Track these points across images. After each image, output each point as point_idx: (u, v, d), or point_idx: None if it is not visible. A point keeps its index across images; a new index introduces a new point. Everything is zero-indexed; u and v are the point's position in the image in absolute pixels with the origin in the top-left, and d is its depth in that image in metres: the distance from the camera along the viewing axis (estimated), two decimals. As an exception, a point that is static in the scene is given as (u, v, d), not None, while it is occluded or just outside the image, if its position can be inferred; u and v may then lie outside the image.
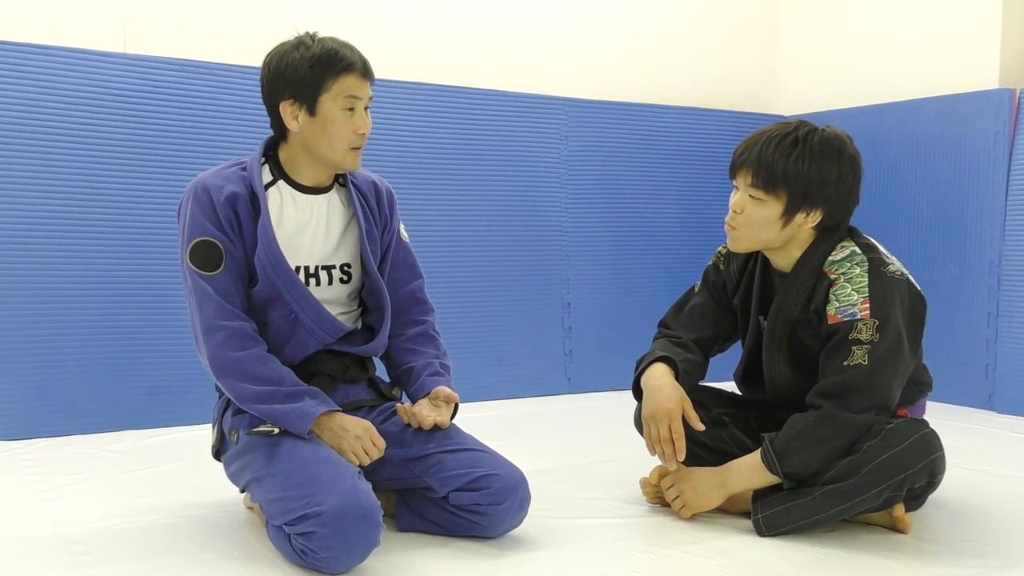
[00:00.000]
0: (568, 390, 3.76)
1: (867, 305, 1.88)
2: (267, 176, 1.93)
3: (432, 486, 1.88)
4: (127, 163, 3.00)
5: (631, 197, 3.97)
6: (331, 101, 1.86)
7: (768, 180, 1.90)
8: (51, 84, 2.88)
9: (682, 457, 1.97)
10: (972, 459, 2.67)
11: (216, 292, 1.82)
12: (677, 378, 2.03)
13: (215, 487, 2.20)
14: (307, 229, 1.93)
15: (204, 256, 1.83)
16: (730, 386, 2.27)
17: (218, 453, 1.99)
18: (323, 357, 1.95)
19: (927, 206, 3.69)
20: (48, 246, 2.89)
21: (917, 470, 1.84)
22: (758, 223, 1.93)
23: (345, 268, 1.97)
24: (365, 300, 2.02)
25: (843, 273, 1.92)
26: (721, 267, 2.18)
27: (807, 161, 1.88)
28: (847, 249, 1.96)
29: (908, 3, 3.86)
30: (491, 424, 2.91)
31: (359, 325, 2.03)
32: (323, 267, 1.94)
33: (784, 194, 1.90)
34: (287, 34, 1.92)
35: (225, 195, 1.84)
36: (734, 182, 1.99)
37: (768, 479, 1.92)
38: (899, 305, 1.90)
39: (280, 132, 1.93)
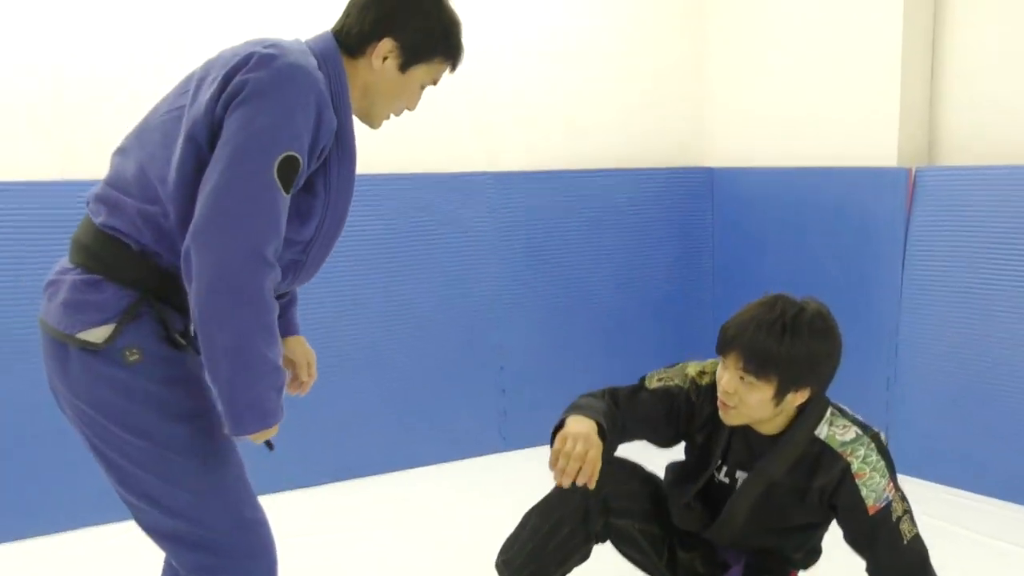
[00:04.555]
0: (503, 448, 4.02)
1: (891, 484, 2.05)
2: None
3: None
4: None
5: (563, 262, 4.16)
6: (424, 73, 1.77)
7: (760, 366, 1.96)
8: None
9: (587, 481, 1.89)
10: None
11: (283, 219, 1.57)
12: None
13: None
14: None
15: (285, 172, 1.56)
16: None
17: (82, 347, 1.59)
18: None
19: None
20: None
21: None
22: (752, 405, 2.00)
23: None
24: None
25: (862, 459, 2.03)
26: (693, 399, 2.18)
27: (798, 345, 1.96)
28: (848, 428, 2.07)
29: (820, 75, 4.05)
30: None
31: None
32: None
33: (775, 378, 1.97)
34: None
35: (328, 122, 1.62)
36: (723, 360, 2.04)
37: None
38: None
39: (352, 52, 1.73)
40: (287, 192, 1.56)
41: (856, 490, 2.03)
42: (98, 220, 1.63)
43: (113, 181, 1.66)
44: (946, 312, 3.54)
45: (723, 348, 2.03)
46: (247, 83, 1.54)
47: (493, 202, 3.99)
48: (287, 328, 1.96)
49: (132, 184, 1.62)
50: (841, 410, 2.13)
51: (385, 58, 1.72)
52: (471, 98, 3.99)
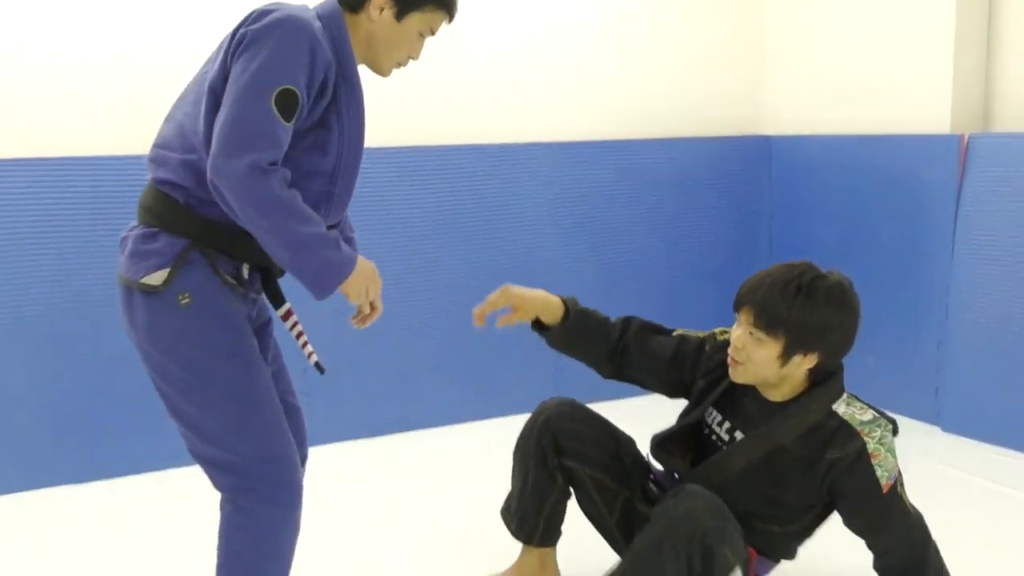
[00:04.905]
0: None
1: (896, 464, 2.11)
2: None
3: None
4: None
5: (616, 232, 4.24)
6: (419, 21, 1.95)
7: (769, 323, 2.02)
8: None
9: (494, 305, 2.27)
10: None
11: (282, 139, 1.77)
12: (566, 316, 2.27)
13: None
14: None
15: (284, 103, 1.76)
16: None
17: (144, 291, 1.84)
18: None
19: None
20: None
21: None
22: (758, 361, 2.06)
23: None
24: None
25: (878, 440, 2.06)
26: (706, 348, 2.28)
27: (809, 309, 2.00)
28: (866, 411, 2.12)
29: (876, 42, 4.07)
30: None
31: None
32: None
33: (783, 336, 2.02)
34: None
35: (322, 59, 1.81)
36: (737, 316, 2.11)
37: None
38: None
39: (353, 8, 1.94)
40: (287, 121, 1.77)
41: (871, 471, 2.05)
42: (151, 177, 1.90)
43: (160, 142, 1.91)
44: (996, 277, 3.57)
45: (738, 303, 2.09)
46: (247, 34, 1.79)
47: (547, 172, 4.09)
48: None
49: (174, 140, 1.87)
50: (856, 397, 2.17)
51: (382, 9, 1.93)
52: (525, 67, 4.08)
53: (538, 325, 2.34)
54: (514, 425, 2.43)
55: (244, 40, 1.79)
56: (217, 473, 1.89)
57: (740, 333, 2.09)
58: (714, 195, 4.48)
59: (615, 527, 2.35)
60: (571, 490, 2.38)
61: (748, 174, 4.54)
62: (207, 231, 1.86)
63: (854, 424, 2.08)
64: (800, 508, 2.16)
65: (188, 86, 1.94)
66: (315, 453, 2.29)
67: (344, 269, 1.81)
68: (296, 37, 1.78)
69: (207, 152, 1.77)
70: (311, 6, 1.93)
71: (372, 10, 1.93)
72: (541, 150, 4.08)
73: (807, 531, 2.23)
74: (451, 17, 2.00)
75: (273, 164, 1.74)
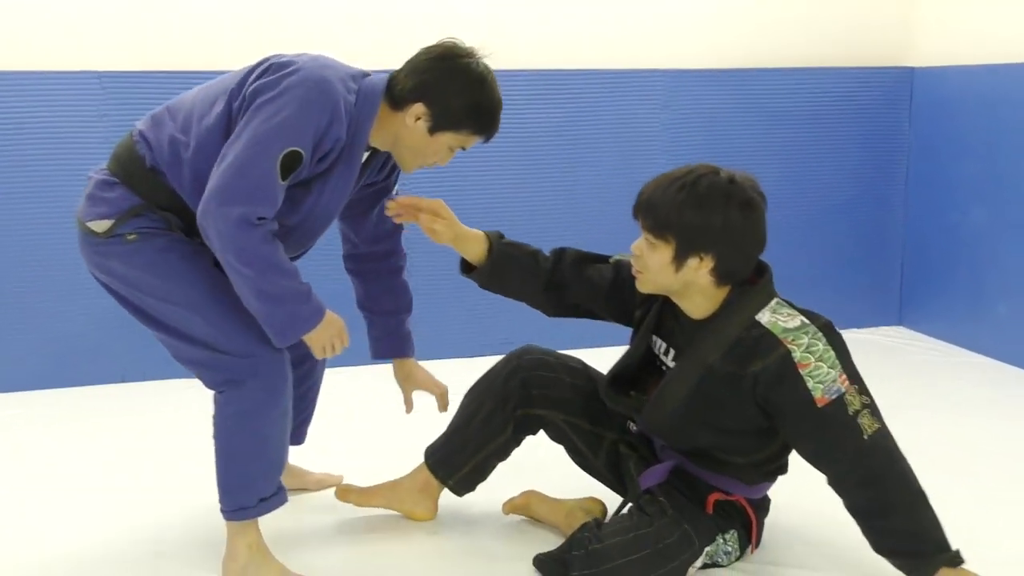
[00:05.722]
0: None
1: (844, 375, 1.90)
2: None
3: None
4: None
5: (738, 163, 4.06)
6: (451, 139, 2.00)
7: (656, 225, 1.92)
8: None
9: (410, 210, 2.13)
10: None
11: (277, 197, 1.85)
12: (490, 250, 2.14)
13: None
14: None
15: (287, 164, 1.84)
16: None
17: (94, 234, 1.96)
18: None
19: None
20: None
21: None
22: (654, 268, 1.95)
23: None
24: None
25: (804, 348, 1.89)
26: None
27: (690, 208, 1.88)
28: (794, 317, 1.94)
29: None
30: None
31: None
32: None
33: (672, 239, 1.91)
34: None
35: (335, 132, 1.88)
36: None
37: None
38: None
39: (393, 103, 1.98)
40: (283, 180, 1.84)
41: (800, 383, 1.88)
42: (137, 128, 1.98)
43: (172, 108, 2.00)
44: None
45: (633, 210, 1.98)
46: (279, 83, 1.85)
47: (667, 100, 4.02)
48: (399, 348, 2.36)
49: (179, 115, 1.96)
50: (789, 303, 2.00)
51: (418, 119, 1.96)
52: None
53: (466, 268, 2.23)
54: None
55: (275, 87, 1.85)
56: (204, 372, 2.00)
57: (638, 241, 1.99)
58: (847, 128, 4.26)
59: (604, 468, 2.30)
60: (510, 452, 2.32)
61: (887, 107, 4.29)
62: (165, 197, 1.94)
63: (776, 332, 1.91)
64: (750, 433, 2.03)
65: (211, 85, 2.00)
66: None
67: (310, 322, 1.90)
68: (320, 102, 1.85)
69: (195, 143, 1.88)
70: (366, 70, 2.01)
71: (408, 116, 1.97)
72: (661, 77, 4.00)
73: (776, 458, 2.09)
74: (488, 139, 2.03)
75: (262, 219, 1.82)
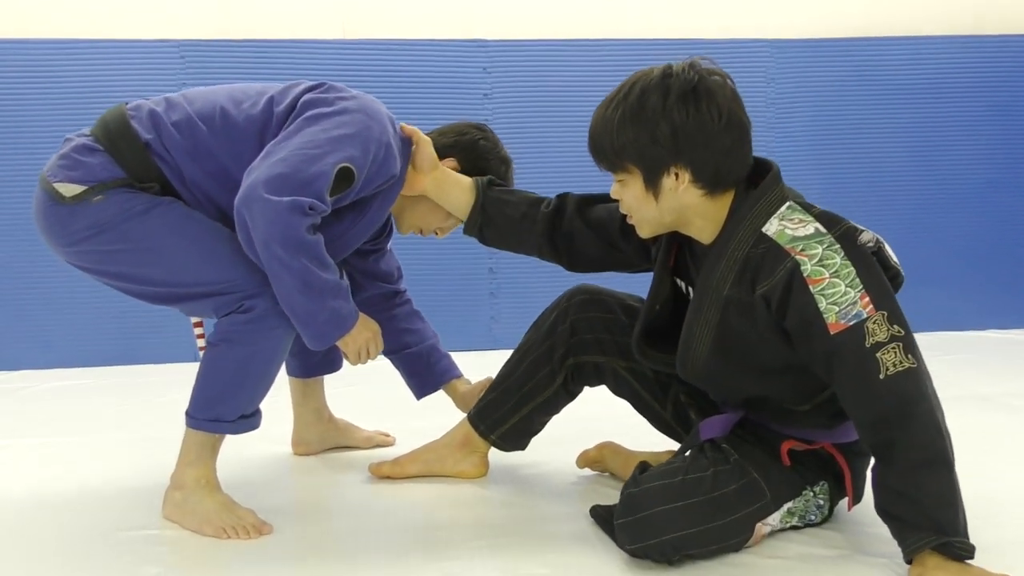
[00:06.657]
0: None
1: (867, 298, 1.55)
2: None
3: None
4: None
5: (850, 140, 3.85)
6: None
7: (609, 159, 1.66)
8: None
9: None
10: None
11: (326, 201, 1.78)
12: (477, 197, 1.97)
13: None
14: None
15: (340, 179, 1.78)
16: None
17: (51, 195, 1.81)
18: None
19: None
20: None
21: None
22: (635, 205, 1.68)
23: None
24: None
25: (817, 260, 1.56)
26: None
27: (630, 124, 1.60)
28: (807, 223, 1.60)
29: None
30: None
31: None
32: None
33: (632, 167, 1.64)
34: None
35: (389, 167, 1.87)
36: None
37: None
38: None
39: (443, 155, 2.02)
40: (331, 194, 1.76)
41: (810, 300, 1.54)
42: (146, 106, 1.86)
43: (189, 95, 1.88)
44: None
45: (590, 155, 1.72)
46: (336, 102, 1.83)
47: (773, 73, 3.80)
48: (441, 374, 2.26)
49: (197, 102, 1.85)
50: (806, 205, 1.64)
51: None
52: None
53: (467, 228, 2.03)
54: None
55: (328, 101, 1.82)
56: (199, 305, 1.85)
57: (613, 187, 1.72)
58: (977, 103, 3.92)
59: (673, 421, 2.01)
60: (561, 407, 2.06)
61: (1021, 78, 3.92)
62: (149, 174, 1.82)
63: (783, 243, 1.58)
64: (796, 370, 1.66)
65: (238, 87, 1.91)
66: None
67: (348, 321, 1.81)
68: (379, 132, 1.83)
69: (208, 135, 1.80)
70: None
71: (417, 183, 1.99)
72: (764, 47, 3.78)
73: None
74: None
75: (312, 210, 1.73)
